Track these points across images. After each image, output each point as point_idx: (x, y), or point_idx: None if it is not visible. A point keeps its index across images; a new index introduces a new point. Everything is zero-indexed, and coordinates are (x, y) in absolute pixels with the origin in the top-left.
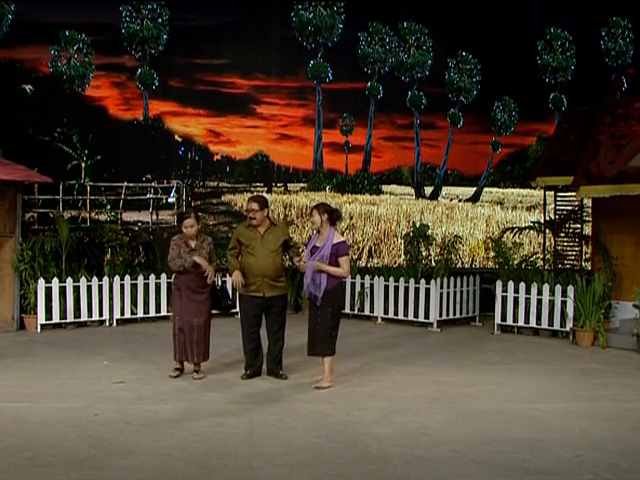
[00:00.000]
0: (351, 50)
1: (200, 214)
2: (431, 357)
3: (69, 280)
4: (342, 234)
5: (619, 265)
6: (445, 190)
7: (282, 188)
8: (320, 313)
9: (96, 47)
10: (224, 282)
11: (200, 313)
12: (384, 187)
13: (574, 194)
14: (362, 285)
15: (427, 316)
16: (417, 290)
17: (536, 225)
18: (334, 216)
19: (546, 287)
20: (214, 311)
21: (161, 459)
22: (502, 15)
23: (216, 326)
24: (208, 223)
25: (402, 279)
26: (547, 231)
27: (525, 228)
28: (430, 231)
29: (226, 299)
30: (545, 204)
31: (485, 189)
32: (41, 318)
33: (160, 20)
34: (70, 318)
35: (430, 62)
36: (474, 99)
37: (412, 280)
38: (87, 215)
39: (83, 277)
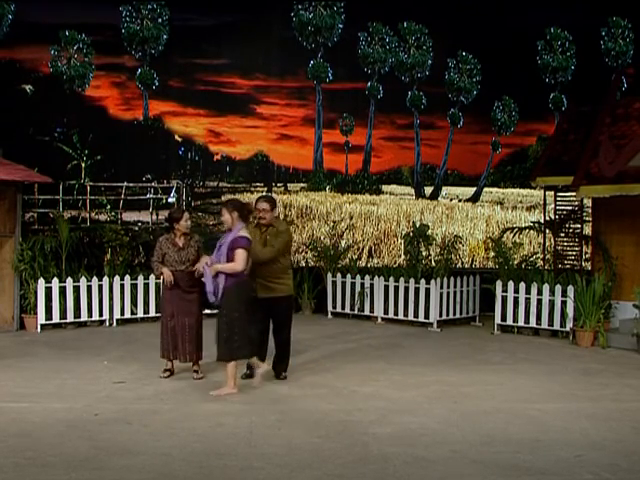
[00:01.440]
0: (351, 50)
1: (200, 214)
2: (431, 357)
3: (69, 280)
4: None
5: (619, 265)
6: (445, 190)
7: (282, 188)
8: (219, 315)
9: (96, 47)
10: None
11: (191, 312)
12: (384, 187)
13: (574, 194)
14: (362, 285)
15: (427, 316)
16: (417, 290)
17: (536, 225)
18: (244, 212)
19: (546, 287)
20: (207, 311)
21: (161, 459)
22: (502, 15)
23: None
24: (208, 223)
25: (402, 279)
26: (547, 231)
27: (525, 228)
28: (430, 231)
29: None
30: (545, 204)
31: (485, 189)
32: (41, 318)
33: (160, 20)
34: (70, 318)
35: (430, 62)
36: (474, 99)
37: (412, 280)
38: (87, 215)
39: (83, 277)
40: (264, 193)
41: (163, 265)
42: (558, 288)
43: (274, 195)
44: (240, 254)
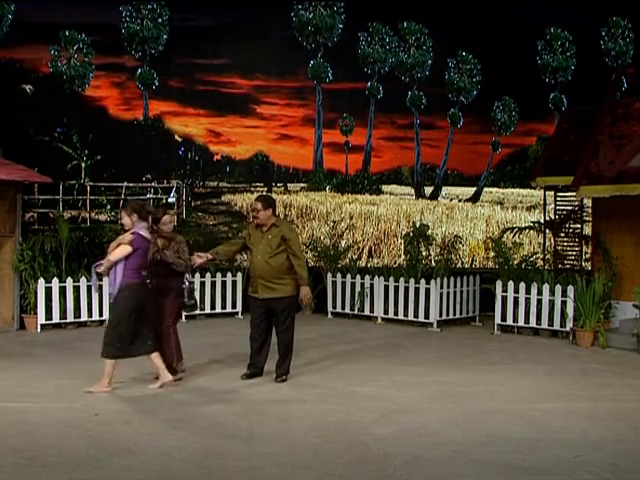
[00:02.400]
0: (351, 50)
1: (200, 214)
2: (431, 357)
3: (69, 280)
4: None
5: (619, 265)
6: (445, 190)
7: (282, 188)
8: (110, 311)
9: (96, 47)
10: (191, 282)
11: (164, 315)
12: (384, 187)
13: (574, 194)
14: (362, 285)
15: (427, 316)
16: (417, 290)
17: (536, 225)
18: (144, 213)
19: (546, 287)
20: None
21: (161, 459)
22: (502, 15)
23: (218, 326)
24: (208, 223)
25: (402, 279)
26: (547, 231)
27: (525, 228)
28: (430, 231)
29: (190, 298)
30: (545, 204)
31: (485, 189)
32: (41, 318)
33: (160, 20)
34: (70, 318)
35: (430, 62)
36: (474, 99)
37: (412, 280)
38: (87, 215)
39: (83, 277)
40: (264, 193)
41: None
42: (558, 288)
43: (274, 195)
44: (122, 249)
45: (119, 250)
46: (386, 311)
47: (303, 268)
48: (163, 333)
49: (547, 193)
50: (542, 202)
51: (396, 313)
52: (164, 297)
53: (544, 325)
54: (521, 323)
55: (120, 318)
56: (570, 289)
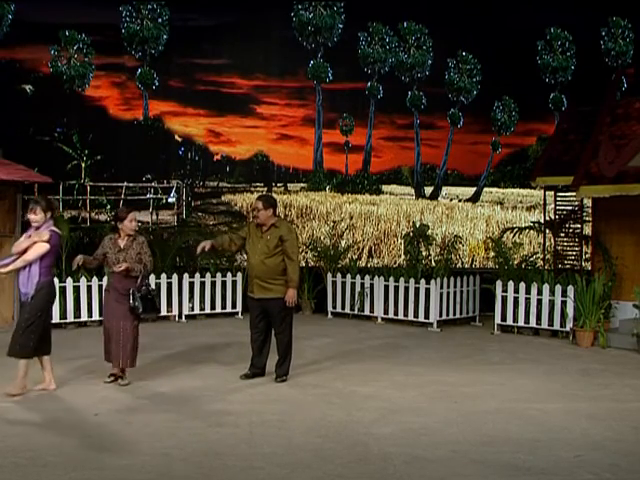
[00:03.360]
0: (351, 50)
1: (200, 214)
2: (431, 357)
3: (69, 280)
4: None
5: (619, 265)
6: (445, 190)
7: (282, 188)
8: (22, 310)
9: (96, 47)
10: (149, 287)
11: (127, 316)
12: (384, 187)
13: (574, 194)
14: (362, 285)
15: (427, 316)
16: (417, 290)
17: (536, 225)
18: (53, 207)
19: (546, 287)
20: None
21: (161, 459)
22: (502, 15)
23: (217, 326)
24: (208, 223)
25: (402, 279)
26: (547, 231)
27: (525, 228)
28: (430, 231)
29: (134, 302)
30: (545, 204)
31: (485, 189)
32: None
33: (160, 20)
34: (70, 318)
35: (430, 62)
36: (474, 99)
37: (412, 280)
38: (87, 215)
39: (83, 277)
40: (264, 193)
41: (94, 259)
42: (558, 288)
43: (274, 195)
44: (40, 247)
45: (37, 249)
46: (386, 311)
47: (294, 271)
48: (122, 334)
49: (547, 193)
50: (542, 202)
51: (396, 313)
52: (123, 299)
53: (544, 325)
54: (521, 323)
55: (36, 317)
56: (570, 289)
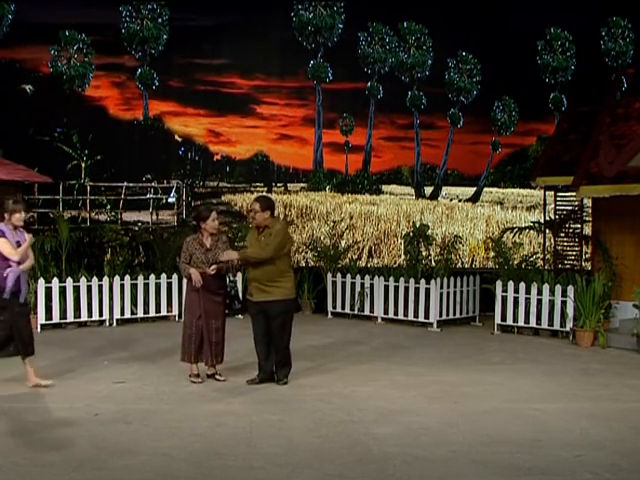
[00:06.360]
0: (351, 50)
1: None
2: (431, 357)
3: (69, 280)
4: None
5: (619, 265)
6: (445, 190)
7: (282, 188)
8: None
9: (96, 47)
10: (234, 284)
11: (218, 315)
12: (384, 187)
13: (574, 194)
14: (362, 285)
15: (427, 316)
16: (417, 290)
17: (536, 225)
18: (9, 208)
19: (546, 287)
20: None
21: (161, 459)
22: (502, 15)
23: None
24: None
25: (402, 279)
26: (547, 231)
27: (525, 228)
28: (430, 231)
29: (236, 302)
30: (545, 204)
31: (485, 189)
32: (41, 318)
33: (160, 20)
34: (70, 318)
35: (430, 62)
36: (474, 99)
37: (412, 280)
38: (87, 215)
39: (83, 277)
40: (264, 193)
41: (190, 266)
42: (558, 288)
43: (274, 195)
44: (7, 246)
45: (24, 249)
46: (386, 311)
47: (254, 253)
48: (220, 333)
49: (547, 193)
50: (542, 202)
51: (396, 313)
52: (218, 298)
53: (544, 325)
54: (521, 323)
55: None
56: (570, 289)
